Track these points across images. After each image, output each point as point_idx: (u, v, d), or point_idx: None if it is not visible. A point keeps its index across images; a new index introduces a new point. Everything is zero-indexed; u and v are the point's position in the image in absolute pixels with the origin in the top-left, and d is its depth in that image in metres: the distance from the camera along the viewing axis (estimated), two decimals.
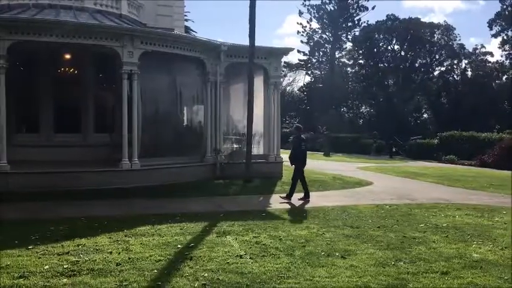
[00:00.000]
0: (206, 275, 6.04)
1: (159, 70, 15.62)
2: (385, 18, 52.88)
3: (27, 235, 7.92)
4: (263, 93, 17.52)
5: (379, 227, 9.18)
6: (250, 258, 6.83)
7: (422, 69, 53.57)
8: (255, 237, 8.10)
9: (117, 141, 15.63)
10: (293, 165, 12.72)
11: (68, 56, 16.76)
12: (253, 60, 15.45)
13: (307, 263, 6.68)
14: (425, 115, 55.26)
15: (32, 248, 7.13)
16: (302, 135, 13.18)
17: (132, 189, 13.01)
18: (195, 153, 16.54)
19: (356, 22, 52.51)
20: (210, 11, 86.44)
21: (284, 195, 12.62)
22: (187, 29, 25.17)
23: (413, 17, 53.31)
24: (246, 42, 15.67)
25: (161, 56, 14.82)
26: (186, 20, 25.17)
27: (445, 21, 67.64)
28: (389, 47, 53.86)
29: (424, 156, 31.66)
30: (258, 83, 16.80)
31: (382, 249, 7.49)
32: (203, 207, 11.12)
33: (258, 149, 17.41)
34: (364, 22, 52.64)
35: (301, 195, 12.55)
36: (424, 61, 53.81)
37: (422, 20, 54.22)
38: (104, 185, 13.16)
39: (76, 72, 17.18)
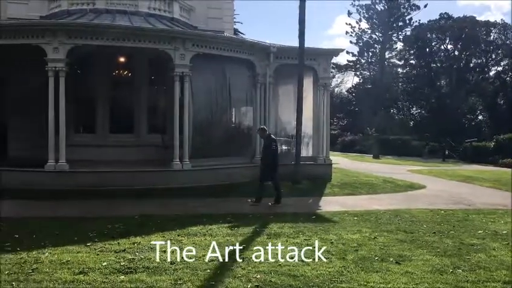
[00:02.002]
0: (258, 276, 6.04)
1: (210, 72, 15.83)
2: (438, 17, 51.29)
3: (85, 232, 8.23)
4: (312, 94, 17.42)
5: (434, 232, 8.89)
6: (301, 261, 6.77)
7: (477, 69, 51.52)
8: (306, 239, 8.04)
9: (168, 142, 16.02)
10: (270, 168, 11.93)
11: (122, 59, 17.32)
12: (303, 62, 15.38)
13: (361, 267, 6.55)
14: (480, 117, 53.07)
15: (90, 245, 7.39)
16: (272, 135, 12.49)
17: (183, 189, 13.24)
18: (244, 154, 16.65)
19: (407, 21, 51.27)
20: (257, 11, 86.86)
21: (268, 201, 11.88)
22: (235, 31, 25.31)
23: (467, 16, 51.38)
24: (293, 43, 15.64)
25: (211, 57, 15.01)
26: (235, 22, 25.32)
27: (502, 19, 64.73)
28: (442, 47, 52.17)
29: (479, 159, 30.42)
30: (307, 84, 16.71)
31: (439, 255, 7.24)
32: (253, 209, 11.15)
33: (306, 151, 17.29)
34: (416, 21, 51.34)
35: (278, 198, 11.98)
36: (479, 61, 51.74)
37: (477, 18, 52.17)
38: (156, 184, 13.49)
39: (130, 74, 17.70)
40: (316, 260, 6.84)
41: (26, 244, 7.31)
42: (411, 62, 53.61)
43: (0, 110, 18.23)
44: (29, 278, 5.79)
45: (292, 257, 6.91)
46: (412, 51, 52.47)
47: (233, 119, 18.36)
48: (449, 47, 51.97)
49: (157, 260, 6.64)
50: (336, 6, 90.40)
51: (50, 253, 6.85)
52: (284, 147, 18.07)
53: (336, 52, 18.02)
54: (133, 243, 7.50)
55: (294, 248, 7.46)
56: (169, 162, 14.43)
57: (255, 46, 16.23)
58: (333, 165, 17.37)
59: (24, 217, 9.48)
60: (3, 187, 12.69)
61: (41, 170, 13.19)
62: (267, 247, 7.45)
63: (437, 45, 52.25)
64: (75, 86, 15.19)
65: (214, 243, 7.62)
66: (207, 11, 18.06)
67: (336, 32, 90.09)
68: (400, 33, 52.32)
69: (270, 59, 16.08)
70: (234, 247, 7.44)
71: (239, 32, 31.71)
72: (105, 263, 6.42)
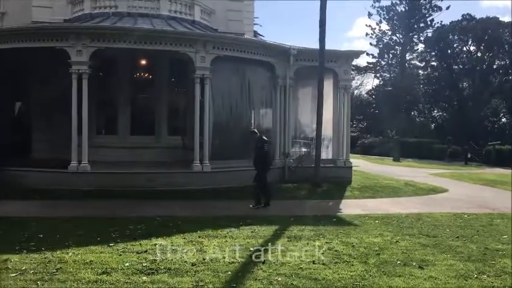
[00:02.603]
0: (280, 279, 6.03)
1: (230, 74, 15.89)
2: (460, 18, 50.43)
3: (108, 233, 8.33)
4: (332, 96, 17.33)
5: (458, 237, 8.75)
6: (323, 264, 6.74)
7: (501, 71, 50.47)
8: (326, 243, 8.00)
9: (188, 143, 16.11)
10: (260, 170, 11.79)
11: (143, 62, 17.52)
12: (323, 64, 15.32)
13: (383, 271, 6.48)
14: (503, 119, 52.02)
15: (113, 245, 7.48)
16: (263, 137, 12.27)
17: (203, 191, 13.30)
18: None
19: (428, 23, 50.54)
20: (277, 13, 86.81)
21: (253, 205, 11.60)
22: (255, 33, 25.36)
23: (491, 17, 50.45)
24: (313, 44, 15.62)
25: (231, 60, 15.06)
26: (254, 24, 25.35)
27: None
28: (464, 48, 51.30)
29: (502, 163, 29.80)
30: (328, 86, 16.62)
31: (463, 260, 7.11)
32: (273, 211, 11.13)
33: (326, 153, 17.20)
34: (437, 22, 50.55)
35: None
36: (502, 62, 50.68)
37: (501, 19, 51.20)
38: (176, 186, 13.57)
39: (151, 77, 17.87)
40: (337, 263, 6.80)
41: (50, 244, 7.43)
42: (432, 63, 52.85)
43: (25, 112, 18.67)
44: (53, 277, 5.87)
45: (313, 260, 6.88)
46: (433, 53, 51.71)
47: (252, 121, 18.38)
48: (471, 48, 51.08)
49: (179, 261, 6.67)
50: (356, 8, 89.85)
51: (74, 253, 6.95)
52: (303, 150, 18.03)
53: (357, 54, 17.90)
54: (155, 244, 7.55)
55: (315, 250, 7.44)
56: (190, 163, 14.51)
57: (275, 48, 16.24)
58: (352, 168, 17.23)
59: (48, 217, 9.62)
60: (29, 187, 12.95)
61: (64, 171, 13.41)
62: (287, 250, 7.45)
63: (460, 47, 51.40)
64: (97, 88, 15.40)
65: (234, 245, 7.67)
66: (228, 14, 18.12)
67: (356, 34, 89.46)
68: (421, 34, 51.61)
69: (290, 61, 16.06)
70: (255, 249, 7.45)
71: (258, 34, 31.72)
72: (127, 264, 6.48)
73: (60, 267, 6.25)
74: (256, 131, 12.67)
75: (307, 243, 7.89)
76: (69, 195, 12.17)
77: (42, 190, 12.64)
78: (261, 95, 17.26)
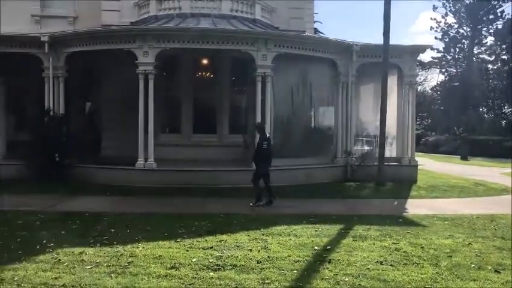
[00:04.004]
0: (347, 279, 5.92)
1: (291, 72, 15.83)
2: None
3: (174, 228, 8.55)
4: (396, 93, 16.84)
5: None
6: (391, 265, 6.55)
7: None
8: (394, 243, 7.76)
9: (250, 142, 16.22)
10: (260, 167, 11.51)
11: (205, 61, 17.84)
12: (387, 60, 14.91)
13: (456, 275, 6.20)
14: None
15: (180, 241, 7.66)
16: (266, 134, 11.90)
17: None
18: (325, 154, 16.50)
19: (498, 14, 47.85)
20: (336, 10, 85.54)
21: (253, 202, 11.40)
22: (315, 31, 25.13)
23: None
24: (372, 41, 15.18)
25: (293, 57, 15.00)
26: (314, 22, 25.12)
27: None
28: None
29: None
30: (392, 82, 16.17)
31: None
32: (336, 209, 10.96)
33: (390, 151, 16.71)
34: (508, 14, 47.85)
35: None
36: None
37: None
38: (238, 183, 13.68)
39: (212, 76, 18.15)
40: (407, 264, 6.58)
41: (122, 238, 7.73)
42: (503, 57, 49.96)
43: (95, 112, 19.59)
44: (125, 270, 6.10)
45: (380, 261, 6.70)
46: (504, 46, 48.94)
47: (314, 119, 18.25)
48: None
49: (244, 258, 6.72)
50: (419, 2, 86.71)
51: (144, 247, 7.18)
52: (366, 148, 17.64)
53: (423, 48, 17.26)
54: (220, 241, 7.66)
55: (382, 251, 7.25)
56: (251, 161, 14.57)
57: (337, 45, 15.99)
58: (418, 167, 16.64)
59: (118, 212, 10.03)
60: (99, 184, 13.59)
61: (132, 168, 13.93)
62: (353, 249, 7.31)
63: None
64: (161, 88, 15.87)
65: (299, 243, 7.63)
66: (289, 11, 18.05)
67: (419, 29, 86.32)
68: (490, 26, 48.95)
69: (352, 57, 15.76)
70: (320, 248, 7.37)
71: (318, 31, 31.42)
72: (194, 259, 6.61)
73: (132, 261, 6.48)
74: (263, 125, 12.33)
75: (374, 244, 7.70)
76: (136, 192, 12.64)
77: (112, 186, 13.22)
78: (322, 93, 17.10)
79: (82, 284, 5.57)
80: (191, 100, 17.71)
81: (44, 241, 7.46)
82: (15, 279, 5.72)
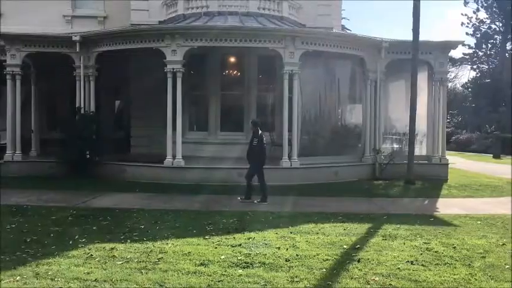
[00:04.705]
0: (377, 279, 5.84)
1: (318, 69, 15.77)
2: None
3: (203, 225, 8.62)
4: (426, 90, 16.54)
5: None
6: (422, 265, 6.43)
7: None
8: (425, 243, 7.62)
9: (277, 140, 16.21)
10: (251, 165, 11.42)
11: (232, 59, 17.89)
12: (417, 56, 14.62)
13: (489, 276, 6.04)
14: None
15: (208, 238, 7.70)
16: (259, 131, 11.47)
17: (291, 187, 13.29)
18: (353, 152, 16.35)
19: None
20: (362, 7, 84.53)
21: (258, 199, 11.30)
22: (342, 28, 24.87)
23: None
24: (397, 36, 14.91)
25: (320, 54, 14.91)
26: (342, 18, 24.86)
27: None
28: None
29: None
30: (421, 79, 15.85)
31: None
32: (364, 208, 10.85)
33: (420, 150, 16.43)
34: None
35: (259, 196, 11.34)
36: None
37: None
38: (265, 181, 13.66)
39: (239, 74, 18.18)
40: (438, 265, 6.45)
41: (151, 234, 7.84)
42: None
43: (124, 110, 19.93)
44: (155, 266, 6.17)
45: (411, 261, 6.59)
46: None
47: (341, 117, 18.09)
48: None
49: (272, 256, 6.71)
50: None
51: (173, 244, 7.25)
52: (395, 146, 17.38)
53: (454, 44, 16.85)
54: (248, 239, 7.67)
55: (413, 251, 7.13)
56: (278, 159, 14.59)
57: (365, 41, 15.81)
58: (449, 165, 16.30)
59: (147, 209, 10.16)
60: (129, 180, 13.82)
61: (160, 166, 14.10)
62: (383, 249, 7.22)
63: None
64: (189, 86, 16.02)
65: (327, 242, 7.58)
66: (316, 8, 17.91)
67: (448, 25, 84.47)
68: None
69: (381, 54, 15.54)
70: (349, 247, 7.30)
71: (345, 28, 31.09)
72: (223, 257, 6.64)
73: (161, 257, 6.54)
74: (258, 121, 12.07)
75: (404, 243, 7.57)
76: (165, 189, 12.79)
77: (141, 183, 13.45)
78: (350, 90, 16.94)
79: (113, 279, 5.66)
80: (218, 98, 17.78)
81: (76, 236, 7.63)
82: (49, 273, 5.85)
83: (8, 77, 15.37)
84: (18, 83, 15.47)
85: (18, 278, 5.68)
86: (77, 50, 15.31)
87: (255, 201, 11.21)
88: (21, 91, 15.63)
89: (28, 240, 7.36)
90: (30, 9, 18.45)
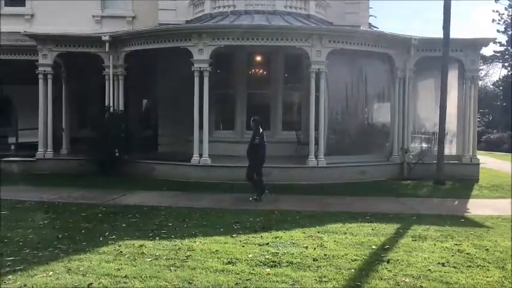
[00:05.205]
0: (407, 280, 5.74)
1: (345, 67, 15.63)
2: None
3: (229, 224, 8.64)
4: (457, 88, 16.20)
5: None
6: (454, 267, 6.30)
7: None
8: (456, 244, 7.46)
9: (303, 138, 16.14)
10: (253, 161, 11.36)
11: (258, 58, 17.89)
12: (447, 53, 14.32)
13: None
14: None
15: (236, 236, 7.72)
16: (260, 129, 11.39)
17: (318, 186, 13.23)
18: (380, 152, 16.16)
19: None
20: (389, 5, 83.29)
21: (255, 196, 11.30)
22: (369, 25, 24.55)
23: None
24: (429, 34, 14.63)
25: (347, 53, 14.76)
26: (369, 16, 24.56)
27: None
28: None
29: None
30: (451, 77, 15.51)
31: None
32: (392, 208, 10.68)
33: (450, 149, 16.09)
34: None
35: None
36: None
37: None
38: (291, 180, 13.68)
39: (265, 72, 18.16)
40: (470, 267, 6.31)
41: (179, 232, 7.91)
42: None
43: (151, 109, 20.18)
44: (184, 264, 6.21)
45: (442, 262, 6.46)
46: None
47: (368, 115, 17.89)
48: None
49: (300, 255, 6.68)
50: None
51: (201, 242, 7.30)
52: (424, 145, 17.09)
53: (486, 42, 16.47)
54: (276, 238, 7.65)
55: (444, 252, 6.99)
56: (304, 158, 14.54)
57: (394, 39, 15.57)
58: (480, 165, 15.92)
59: (175, 206, 10.27)
60: (156, 178, 13.99)
61: (187, 164, 14.21)
62: (412, 250, 7.10)
63: None
64: (215, 85, 16.08)
65: (355, 241, 7.50)
66: (343, 6, 17.74)
67: (478, 23, 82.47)
68: None
69: (410, 52, 15.27)
70: (378, 247, 7.20)
71: (373, 26, 30.69)
72: (250, 255, 6.64)
73: (190, 255, 6.59)
74: (258, 119, 11.88)
75: (434, 244, 7.43)
76: (192, 187, 12.89)
77: (168, 181, 13.60)
78: (377, 88, 16.78)
79: (143, 276, 5.73)
80: (244, 97, 17.80)
81: (106, 233, 7.76)
82: (81, 269, 5.97)
83: (40, 76, 15.75)
84: (49, 82, 15.83)
85: (51, 273, 5.81)
86: (106, 50, 15.57)
87: (250, 199, 11.24)
88: (52, 90, 15.98)
89: (60, 236, 7.54)
90: (60, 10, 18.86)
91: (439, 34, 14.75)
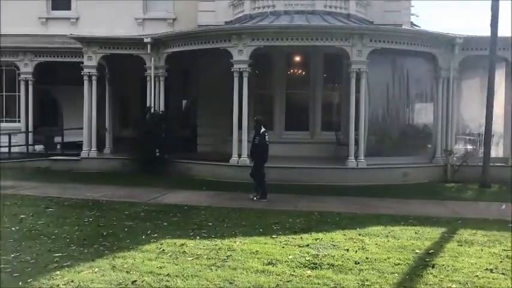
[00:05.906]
0: (454, 286, 5.56)
1: (386, 67, 15.37)
2: None
3: (269, 224, 8.62)
4: (504, 88, 15.59)
5: None
6: (502, 273, 6.06)
7: None
8: (504, 250, 7.17)
9: (343, 139, 15.95)
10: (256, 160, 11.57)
11: (297, 58, 17.82)
12: (495, 52, 13.82)
13: None
14: None
15: (275, 237, 7.69)
16: (262, 128, 11.40)
17: (358, 188, 13.04)
18: (422, 153, 15.77)
19: None
20: (432, 3, 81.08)
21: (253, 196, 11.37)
22: (411, 24, 24.00)
23: None
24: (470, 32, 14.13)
25: (388, 52, 14.48)
26: (411, 14, 24.01)
27: None
28: None
29: None
30: (498, 76, 14.93)
31: None
32: (436, 211, 10.39)
33: (496, 151, 15.54)
34: None
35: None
36: None
37: None
38: (330, 181, 13.54)
39: (304, 73, 18.06)
40: None
41: (219, 232, 7.96)
42: None
43: (190, 109, 20.44)
44: (224, 264, 6.25)
45: (490, 269, 6.23)
46: None
47: (410, 116, 17.48)
48: None
49: (341, 258, 6.59)
50: None
51: (241, 242, 7.32)
52: (468, 147, 16.56)
53: None
54: (316, 239, 7.58)
55: (491, 258, 6.74)
56: (343, 159, 14.37)
57: (437, 38, 15.15)
58: None
59: (215, 206, 10.37)
60: (195, 178, 14.15)
61: (226, 164, 14.30)
62: (458, 255, 6.88)
63: None
64: (254, 85, 16.12)
65: (398, 245, 7.34)
66: (384, 5, 17.39)
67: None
68: None
69: (454, 51, 14.85)
70: (422, 252, 7.02)
71: (414, 25, 29.99)
72: (291, 256, 6.60)
73: (230, 255, 6.62)
74: (261, 119, 11.92)
75: (481, 250, 7.17)
76: (232, 187, 12.98)
77: (208, 181, 13.75)
78: (420, 88, 16.39)
79: (185, 275, 5.79)
80: (283, 97, 17.75)
81: (149, 231, 7.90)
82: (125, 266, 6.09)
83: (84, 77, 16.23)
84: (94, 83, 16.31)
85: (96, 269, 5.96)
86: (148, 52, 15.89)
87: (253, 198, 11.28)
88: (96, 91, 16.44)
89: (104, 234, 7.73)
90: (103, 13, 19.37)
91: (484, 33, 14.29)
